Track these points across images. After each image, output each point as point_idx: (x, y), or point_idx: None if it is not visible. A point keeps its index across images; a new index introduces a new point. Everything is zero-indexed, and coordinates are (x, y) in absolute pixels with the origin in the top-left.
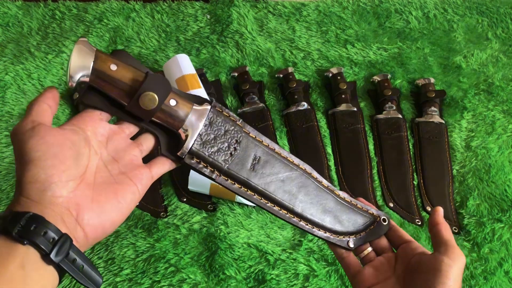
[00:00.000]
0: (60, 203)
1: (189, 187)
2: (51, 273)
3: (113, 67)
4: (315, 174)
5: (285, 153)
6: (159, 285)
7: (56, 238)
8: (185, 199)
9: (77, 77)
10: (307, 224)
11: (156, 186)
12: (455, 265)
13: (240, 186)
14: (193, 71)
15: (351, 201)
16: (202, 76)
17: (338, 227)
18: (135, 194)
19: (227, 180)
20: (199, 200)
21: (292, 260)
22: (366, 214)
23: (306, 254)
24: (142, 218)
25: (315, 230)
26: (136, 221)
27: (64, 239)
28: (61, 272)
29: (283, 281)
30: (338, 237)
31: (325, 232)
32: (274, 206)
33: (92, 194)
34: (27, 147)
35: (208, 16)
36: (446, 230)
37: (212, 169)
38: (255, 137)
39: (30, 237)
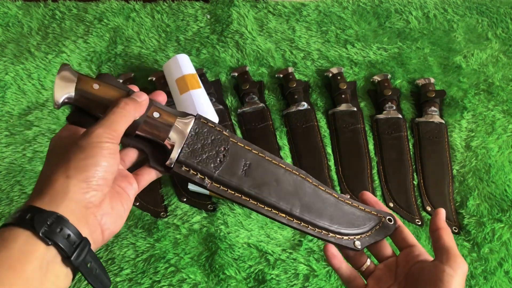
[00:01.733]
0: (90, 208)
1: (189, 187)
2: (66, 275)
3: (96, 86)
4: (311, 178)
5: (277, 159)
6: (159, 285)
7: (78, 241)
8: (185, 199)
9: (62, 99)
10: (307, 227)
11: (156, 186)
12: (457, 275)
13: (233, 192)
14: (193, 71)
15: (352, 202)
16: (202, 76)
17: (341, 228)
18: (129, 203)
19: (219, 186)
20: (199, 200)
21: (292, 260)
22: (369, 214)
23: (306, 254)
24: (142, 218)
25: (317, 232)
26: (136, 221)
27: (84, 243)
28: (74, 274)
29: (283, 281)
30: (343, 238)
31: (328, 234)
32: (271, 210)
33: (109, 202)
34: (115, 156)
35: (208, 16)
36: (448, 236)
37: (203, 176)
38: (244, 146)
39: (55, 239)
